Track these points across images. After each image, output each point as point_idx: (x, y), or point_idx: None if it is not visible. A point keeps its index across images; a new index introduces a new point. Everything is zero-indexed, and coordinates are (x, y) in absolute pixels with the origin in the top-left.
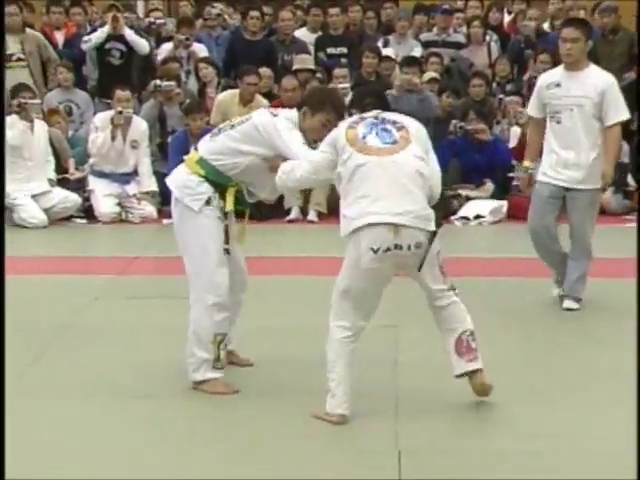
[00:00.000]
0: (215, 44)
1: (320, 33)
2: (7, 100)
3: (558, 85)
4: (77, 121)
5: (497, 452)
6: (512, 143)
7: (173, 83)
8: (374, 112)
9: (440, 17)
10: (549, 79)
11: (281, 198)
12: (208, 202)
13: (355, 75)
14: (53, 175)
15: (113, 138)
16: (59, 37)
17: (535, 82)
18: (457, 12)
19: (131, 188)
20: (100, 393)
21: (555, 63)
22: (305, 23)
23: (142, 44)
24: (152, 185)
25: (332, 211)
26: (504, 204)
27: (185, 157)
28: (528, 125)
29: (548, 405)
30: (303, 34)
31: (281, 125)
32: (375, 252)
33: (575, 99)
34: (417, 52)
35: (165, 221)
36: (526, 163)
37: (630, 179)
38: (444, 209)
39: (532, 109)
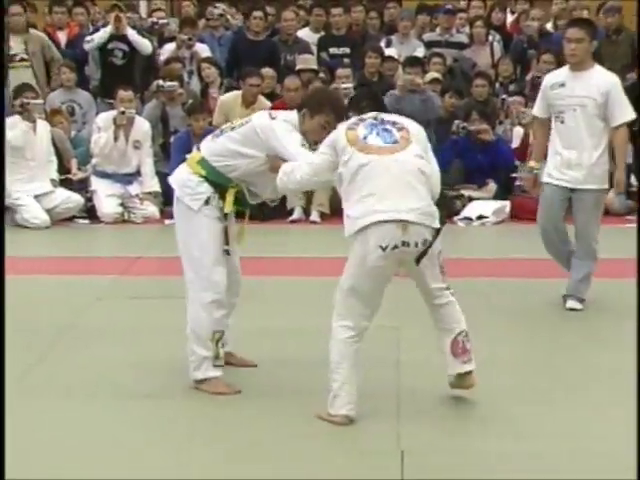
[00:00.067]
0: (218, 44)
1: (323, 33)
2: (10, 100)
3: (562, 85)
4: (79, 121)
5: (499, 452)
6: (515, 143)
7: (176, 83)
8: (373, 113)
9: (443, 17)
10: (554, 79)
11: (284, 198)
12: (207, 202)
13: (358, 75)
14: (55, 175)
15: (116, 138)
16: (62, 37)
17: (538, 82)
18: (460, 12)
19: (134, 188)
20: (102, 393)
21: (559, 63)
22: (308, 23)
23: (145, 44)
24: (155, 185)
25: (335, 212)
26: (507, 204)
27: (188, 156)
28: (531, 125)
29: (550, 405)
30: (306, 34)
31: (279, 127)
32: (384, 250)
33: (579, 99)
34: (420, 52)
35: (167, 221)
36: (531, 163)
37: (633, 179)
38: (447, 209)
39: (537, 109)
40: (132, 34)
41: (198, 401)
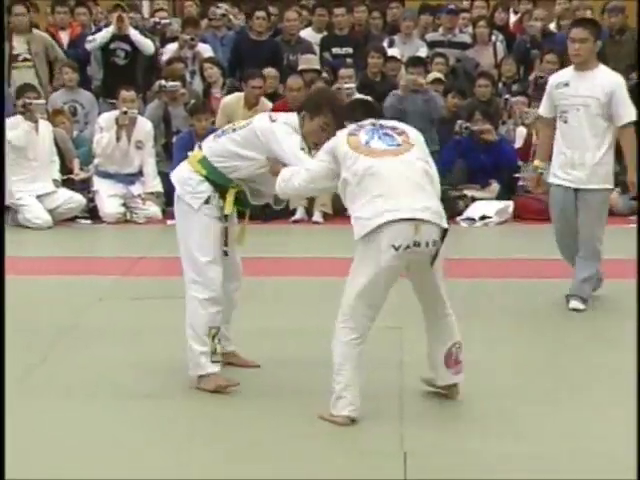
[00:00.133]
0: (220, 44)
1: (325, 33)
2: (12, 100)
3: (567, 85)
4: (82, 121)
5: (502, 453)
6: (518, 143)
7: (178, 83)
8: (370, 120)
9: (446, 17)
10: (558, 79)
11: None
12: (207, 201)
13: (360, 75)
14: (58, 176)
15: (118, 138)
16: (64, 37)
17: (541, 82)
18: (463, 12)
19: (136, 188)
20: (102, 393)
21: (562, 63)
22: (310, 23)
23: (147, 44)
24: (157, 186)
25: (337, 212)
26: (510, 205)
27: (190, 154)
28: (534, 125)
29: (553, 406)
30: (308, 34)
31: (279, 130)
32: (396, 249)
33: (582, 99)
34: (423, 52)
35: (170, 221)
36: (536, 162)
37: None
38: (449, 210)
39: (543, 109)
40: (134, 34)
41: (198, 401)
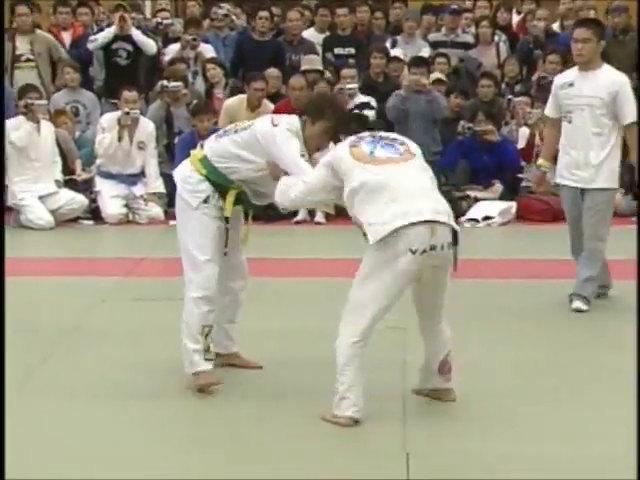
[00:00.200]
0: (222, 45)
1: (328, 33)
2: (14, 101)
3: (571, 85)
4: (84, 122)
5: (505, 454)
6: (521, 144)
7: (180, 84)
8: (368, 132)
9: (448, 17)
10: (563, 79)
11: None
12: (206, 200)
13: (363, 76)
14: (60, 176)
15: (120, 139)
16: (66, 37)
17: (544, 82)
18: (465, 12)
19: (138, 189)
20: (105, 394)
21: (565, 63)
22: (313, 23)
23: (149, 44)
24: (159, 186)
25: (340, 213)
26: (513, 205)
27: (192, 151)
28: (537, 126)
29: (555, 406)
30: (311, 34)
31: (280, 135)
32: (414, 253)
33: (586, 99)
34: (425, 52)
35: (172, 222)
36: (540, 161)
37: None
38: (452, 211)
39: (548, 109)
40: (137, 34)
41: (200, 402)
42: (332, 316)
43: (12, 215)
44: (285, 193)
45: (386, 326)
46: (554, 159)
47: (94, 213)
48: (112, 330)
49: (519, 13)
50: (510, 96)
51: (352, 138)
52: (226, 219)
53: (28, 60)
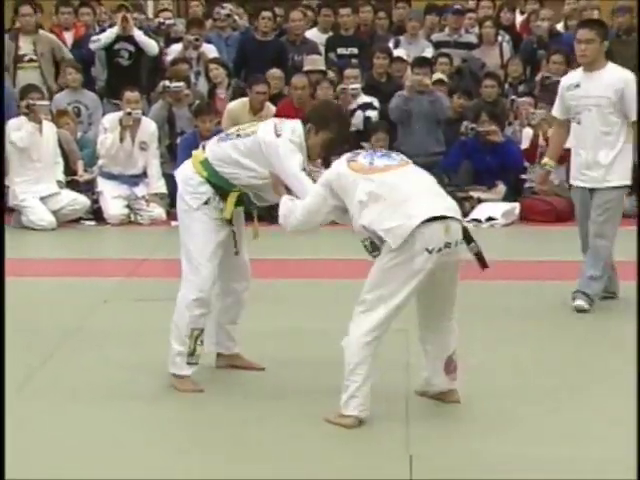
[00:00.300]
0: (225, 45)
1: (331, 33)
2: (16, 101)
3: (577, 86)
4: (85, 122)
5: (509, 455)
6: (524, 144)
7: (182, 84)
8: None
9: (451, 17)
10: (569, 81)
11: None
12: (207, 202)
13: (366, 76)
14: (62, 177)
15: (122, 139)
16: (68, 38)
17: (548, 83)
18: (469, 12)
19: (140, 190)
20: (106, 394)
21: (569, 64)
22: (316, 23)
23: (151, 45)
24: (161, 187)
25: None
26: (516, 206)
27: (194, 152)
28: (540, 126)
29: (557, 407)
30: (314, 34)
31: (282, 148)
32: (430, 252)
33: (594, 99)
34: (428, 53)
35: (174, 223)
36: (545, 159)
37: None
38: None
39: (555, 111)
40: (139, 35)
41: (201, 402)
42: (334, 317)
43: (14, 216)
44: (287, 219)
45: (389, 328)
46: (559, 159)
47: (96, 214)
48: (114, 331)
49: (522, 13)
50: (513, 96)
51: (348, 154)
52: (229, 221)
53: (31, 60)
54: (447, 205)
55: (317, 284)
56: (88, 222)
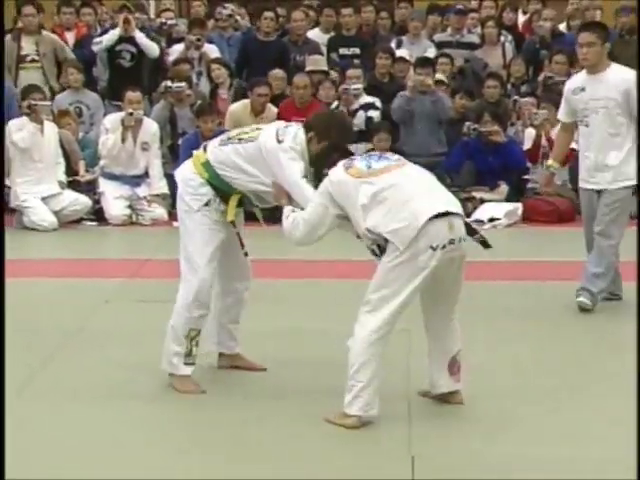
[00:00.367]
0: (227, 45)
1: (333, 34)
2: (17, 101)
3: (583, 90)
4: (87, 123)
5: (509, 456)
6: (527, 145)
7: (184, 84)
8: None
9: (454, 17)
10: (574, 84)
11: None
12: (207, 204)
13: (368, 76)
14: (63, 177)
15: (123, 140)
16: (69, 38)
17: (550, 83)
18: (471, 12)
19: (142, 190)
20: (108, 395)
21: (571, 64)
22: (318, 24)
23: (152, 47)
24: (163, 187)
25: None
26: (519, 206)
27: (195, 152)
28: (543, 127)
29: (559, 408)
30: (316, 35)
31: (284, 155)
32: (434, 250)
33: (602, 101)
34: (431, 53)
35: (175, 223)
36: (549, 162)
37: None
38: None
39: (561, 114)
40: (140, 37)
41: (201, 403)
42: (334, 317)
43: (15, 216)
44: (291, 234)
45: None
46: (564, 162)
47: (97, 214)
48: (115, 332)
49: (525, 13)
50: (516, 97)
51: (344, 161)
52: (232, 223)
53: (33, 61)
54: (449, 200)
55: (318, 284)
56: (90, 223)
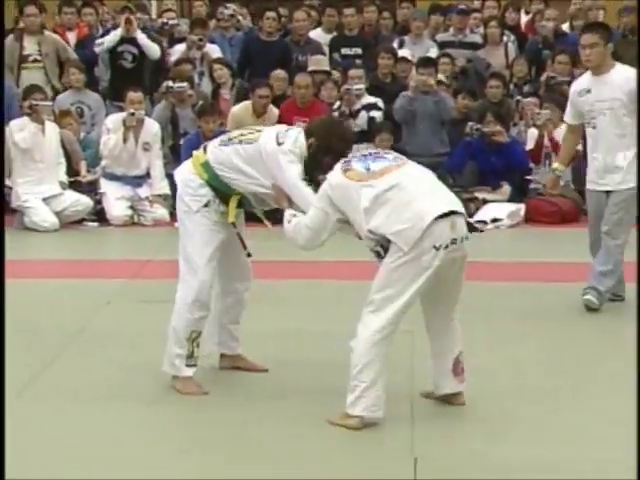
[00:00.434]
0: (229, 45)
1: (335, 34)
2: (19, 102)
3: (588, 91)
4: (89, 123)
5: (511, 457)
6: (529, 145)
7: (185, 84)
8: (349, 156)
9: (456, 17)
10: (580, 86)
11: None
12: (207, 204)
13: (371, 76)
14: (64, 178)
15: (125, 140)
16: (71, 38)
17: (553, 83)
18: (474, 12)
19: (143, 191)
20: (109, 396)
21: (574, 64)
22: (320, 24)
23: (153, 49)
24: (164, 188)
25: None
26: (522, 207)
27: (195, 152)
28: (545, 127)
29: (561, 408)
30: (318, 35)
31: (283, 158)
32: (437, 249)
33: (608, 102)
34: (433, 53)
35: (177, 224)
36: (555, 164)
37: None
38: None
39: (567, 116)
40: (142, 38)
41: (202, 403)
42: (336, 318)
43: (16, 217)
44: (294, 239)
45: None
46: (569, 164)
47: (99, 215)
48: (117, 333)
49: (528, 13)
50: (519, 97)
51: (341, 164)
52: (232, 224)
53: (35, 61)
54: (451, 200)
55: (319, 285)
56: (91, 223)
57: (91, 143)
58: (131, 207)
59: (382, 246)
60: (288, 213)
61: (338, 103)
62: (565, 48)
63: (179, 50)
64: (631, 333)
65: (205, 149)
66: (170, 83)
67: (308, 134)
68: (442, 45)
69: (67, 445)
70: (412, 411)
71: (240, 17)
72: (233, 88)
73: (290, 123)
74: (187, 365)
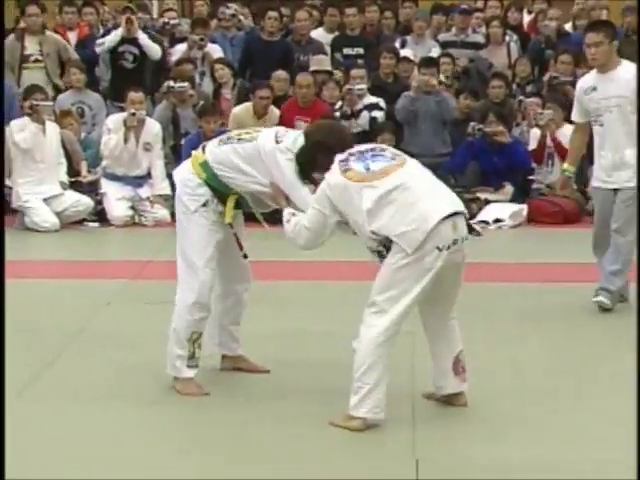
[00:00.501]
0: (230, 45)
1: (337, 33)
2: (19, 102)
3: (594, 89)
4: (89, 123)
5: (512, 457)
6: (532, 145)
7: (186, 84)
8: (345, 154)
9: (459, 17)
10: (585, 84)
11: None
12: (205, 204)
13: (373, 76)
14: (65, 178)
15: (126, 140)
16: (72, 37)
17: (555, 83)
18: (476, 12)
19: (144, 191)
20: (109, 396)
21: (577, 64)
22: (321, 23)
23: (154, 49)
24: (165, 188)
25: None
26: (524, 207)
27: (194, 152)
28: (548, 127)
29: (563, 409)
30: (319, 34)
31: (281, 156)
32: (440, 250)
33: (614, 100)
34: (435, 53)
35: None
36: (565, 165)
37: None
38: None
39: (574, 115)
40: (143, 38)
41: (202, 404)
42: (338, 319)
43: (17, 217)
44: (294, 240)
45: None
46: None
47: (100, 215)
48: (117, 333)
49: (530, 13)
50: (521, 97)
51: (338, 163)
52: (229, 225)
53: (37, 61)
54: (452, 200)
55: (321, 286)
56: (92, 223)
57: (92, 143)
58: (132, 207)
59: (385, 246)
60: (287, 212)
61: (340, 103)
62: (568, 48)
63: (180, 50)
64: (631, 333)
65: (204, 149)
66: (171, 83)
67: (308, 137)
68: (444, 45)
69: (67, 445)
70: (413, 412)
71: (241, 17)
72: (234, 88)
73: (291, 123)
74: (188, 366)
